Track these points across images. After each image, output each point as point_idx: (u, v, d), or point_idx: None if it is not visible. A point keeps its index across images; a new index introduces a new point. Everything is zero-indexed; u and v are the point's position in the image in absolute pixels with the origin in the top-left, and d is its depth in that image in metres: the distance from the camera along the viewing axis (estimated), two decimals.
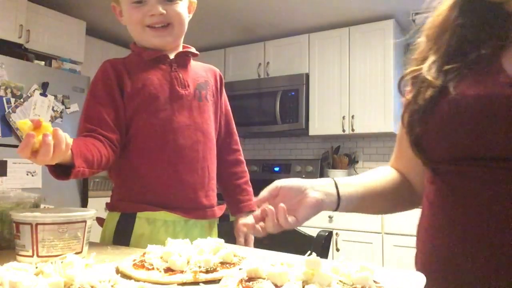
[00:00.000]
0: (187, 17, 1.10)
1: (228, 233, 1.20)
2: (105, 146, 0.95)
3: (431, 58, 0.72)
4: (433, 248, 0.68)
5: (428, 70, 0.71)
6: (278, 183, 0.74)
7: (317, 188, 0.73)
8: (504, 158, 0.60)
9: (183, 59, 1.13)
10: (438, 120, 0.68)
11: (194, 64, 1.16)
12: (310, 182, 0.74)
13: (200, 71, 1.17)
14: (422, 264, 0.70)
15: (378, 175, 0.85)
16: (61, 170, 0.83)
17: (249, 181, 1.24)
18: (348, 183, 0.78)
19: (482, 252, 0.60)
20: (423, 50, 0.76)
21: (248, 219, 0.73)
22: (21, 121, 0.71)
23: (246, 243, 1.18)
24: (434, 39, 0.74)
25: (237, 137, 1.26)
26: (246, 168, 1.25)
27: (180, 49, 1.14)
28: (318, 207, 0.72)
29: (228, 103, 1.25)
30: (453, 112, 0.65)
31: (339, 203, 0.75)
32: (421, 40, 0.78)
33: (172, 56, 1.11)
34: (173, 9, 1.05)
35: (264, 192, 0.74)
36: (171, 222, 1.04)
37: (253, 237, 1.18)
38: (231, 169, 1.22)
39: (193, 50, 1.15)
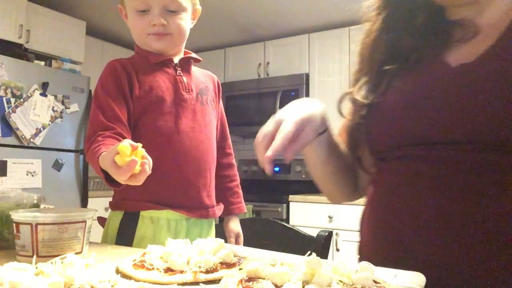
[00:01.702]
0: (188, 27, 1.13)
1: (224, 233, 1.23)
2: None
3: (362, 80, 0.79)
4: (391, 235, 0.69)
5: (358, 91, 0.77)
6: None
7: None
8: (451, 142, 0.63)
9: (186, 64, 1.16)
10: (385, 112, 0.72)
11: (194, 69, 1.19)
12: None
13: (201, 76, 1.20)
14: (374, 250, 0.72)
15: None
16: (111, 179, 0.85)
17: (239, 184, 1.29)
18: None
19: (433, 234, 0.62)
20: (357, 71, 0.82)
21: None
22: (123, 145, 0.74)
23: (236, 243, 1.22)
24: (366, 59, 0.79)
25: (230, 142, 1.30)
26: (237, 172, 1.30)
27: (182, 54, 1.17)
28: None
29: (223, 108, 1.29)
30: (400, 103, 0.70)
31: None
32: (356, 60, 0.84)
33: (176, 60, 1.14)
34: (174, 20, 1.08)
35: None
36: (174, 221, 1.06)
37: (242, 237, 1.23)
38: (224, 171, 1.25)
39: (195, 55, 1.18)
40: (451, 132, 0.62)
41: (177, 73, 1.12)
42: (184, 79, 1.12)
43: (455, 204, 0.61)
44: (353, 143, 0.80)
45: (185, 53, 1.18)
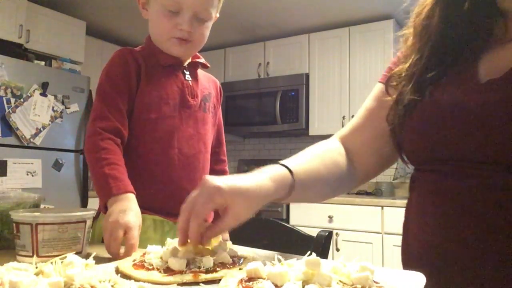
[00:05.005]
0: (207, 37, 1.10)
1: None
2: (122, 156, 0.98)
3: (412, 59, 0.74)
4: (417, 241, 0.70)
5: (407, 72, 0.74)
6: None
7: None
8: (475, 161, 0.62)
9: (194, 68, 1.14)
10: (414, 126, 0.71)
11: (199, 72, 1.16)
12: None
13: (205, 82, 1.18)
14: (407, 256, 0.73)
15: (324, 157, 0.81)
16: None
17: None
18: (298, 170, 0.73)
19: (455, 254, 0.62)
20: (408, 46, 0.78)
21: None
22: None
23: None
24: (418, 35, 0.75)
25: (225, 148, 1.27)
26: None
27: (190, 57, 1.15)
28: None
29: (221, 114, 1.26)
30: (427, 119, 0.69)
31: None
32: (408, 34, 0.79)
33: (185, 64, 1.12)
34: (199, 29, 1.05)
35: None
36: (159, 222, 1.04)
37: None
38: None
39: (203, 61, 1.16)
40: (475, 152, 0.62)
41: (185, 78, 1.10)
42: (191, 84, 1.10)
43: (477, 223, 0.60)
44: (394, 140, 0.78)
45: (194, 56, 1.15)
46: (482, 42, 0.68)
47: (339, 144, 0.86)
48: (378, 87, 0.86)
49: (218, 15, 1.14)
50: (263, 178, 0.67)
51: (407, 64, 0.74)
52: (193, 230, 0.63)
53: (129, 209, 0.85)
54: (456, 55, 0.70)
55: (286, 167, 0.71)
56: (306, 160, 0.77)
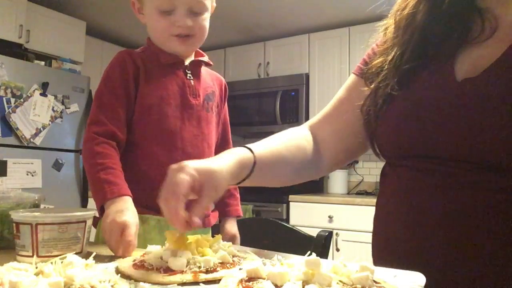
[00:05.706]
0: (208, 28, 1.10)
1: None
2: (118, 158, 0.98)
3: (395, 52, 0.74)
4: (387, 236, 0.73)
5: (389, 66, 0.74)
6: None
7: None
8: (448, 159, 0.63)
9: (197, 66, 1.13)
10: (389, 120, 0.72)
11: (202, 70, 1.15)
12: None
13: (208, 80, 1.16)
14: (377, 251, 0.73)
15: (287, 142, 0.83)
16: None
17: (237, 188, 1.24)
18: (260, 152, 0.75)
19: (427, 238, 0.64)
20: (389, 39, 0.78)
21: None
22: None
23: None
24: (402, 29, 0.75)
25: (231, 146, 1.25)
26: None
27: (193, 55, 1.14)
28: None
29: (227, 112, 1.25)
30: (403, 114, 0.69)
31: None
32: (389, 25, 0.79)
33: (187, 62, 1.11)
34: (198, 22, 1.05)
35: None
36: (164, 222, 1.03)
37: (239, 239, 1.20)
38: None
39: (206, 59, 1.14)
40: (448, 150, 0.63)
41: (187, 77, 1.09)
42: (193, 83, 1.09)
43: (447, 221, 0.61)
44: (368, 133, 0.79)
45: (197, 53, 1.14)
46: (460, 40, 0.69)
47: (308, 131, 0.88)
48: (351, 78, 0.88)
49: (214, 4, 1.13)
50: (229, 160, 0.70)
51: (390, 57, 0.75)
52: (175, 210, 0.60)
53: (125, 209, 0.86)
54: (436, 51, 0.70)
55: (250, 149, 0.75)
56: (269, 144, 0.80)
